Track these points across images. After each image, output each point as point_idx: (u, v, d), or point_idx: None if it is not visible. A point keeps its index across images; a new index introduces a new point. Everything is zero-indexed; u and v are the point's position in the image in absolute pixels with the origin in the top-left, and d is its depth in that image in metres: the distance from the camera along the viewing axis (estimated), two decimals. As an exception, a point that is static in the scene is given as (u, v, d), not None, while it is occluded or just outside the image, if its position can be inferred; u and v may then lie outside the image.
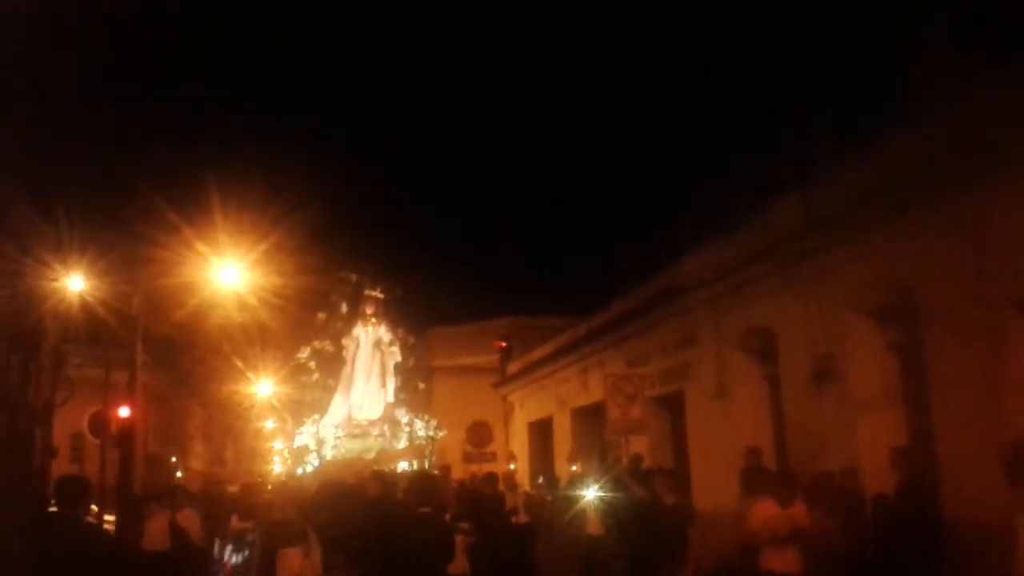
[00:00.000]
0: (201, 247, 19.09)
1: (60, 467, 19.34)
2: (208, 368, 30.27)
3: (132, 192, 20.90)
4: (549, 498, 13.01)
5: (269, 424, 40.90)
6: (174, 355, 27.29)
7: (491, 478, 11.24)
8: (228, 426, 44.10)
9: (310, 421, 23.16)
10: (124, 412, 18.35)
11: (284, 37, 58.03)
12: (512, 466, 21.14)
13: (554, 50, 54.50)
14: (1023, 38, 8.06)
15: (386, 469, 17.47)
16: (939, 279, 8.94)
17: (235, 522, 8.77)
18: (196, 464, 35.46)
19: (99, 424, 20.30)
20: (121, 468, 18.42)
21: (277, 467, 37.42)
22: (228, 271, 19.26)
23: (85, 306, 18.95)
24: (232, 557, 7.93)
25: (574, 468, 18.47)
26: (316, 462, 21.68)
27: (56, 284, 18.23)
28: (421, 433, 21.67)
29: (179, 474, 27.98)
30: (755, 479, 10.84)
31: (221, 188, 20.25)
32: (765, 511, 8.01)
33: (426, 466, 20.27)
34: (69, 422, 21.58)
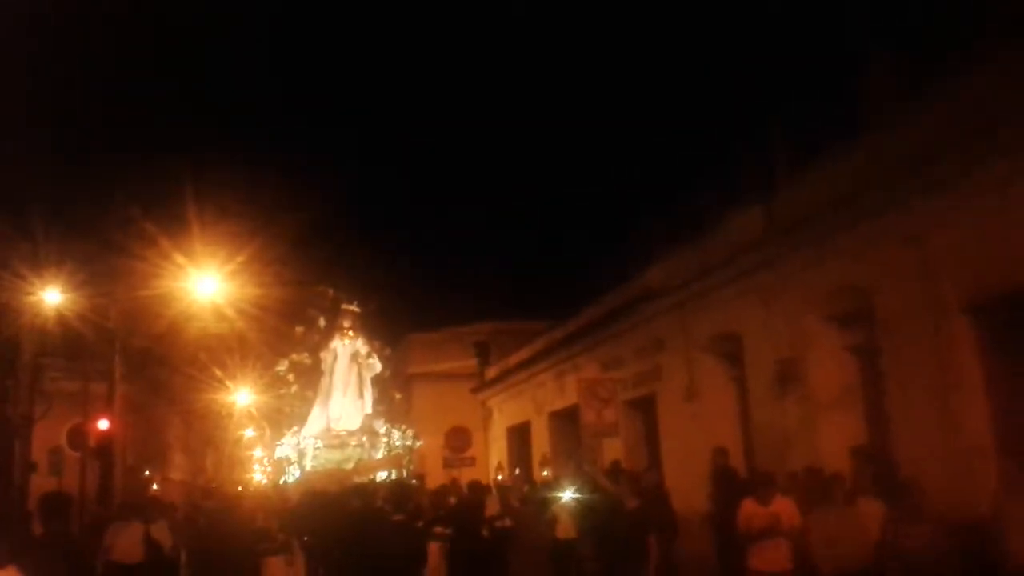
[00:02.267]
0: (178, 258, 19.19)
1: (39, 481, 19.37)
2: (186, 378, 30.25)
3: (108, 204, 20.97)
4: (526, 489, 13.28)
5: (249, 433, 40.88)
6: (151, 366, 27.28)
7: (473, 485, 11.42)
8: (207, 436, 43.97)
9: (290, 432, 23.34)
10: (103, 425, 18.45)
11: (258, 47, 58.03)
12: (499, 476, 21.37)
13: (526, 59, 54.92)
14: (966, 55, 8.47)
15: (365, 479, 17.69)
16: (892, 285, 9.33)
17: None
18: (176, 475, 35.39)
19: (78, 437, 20.34)
20: (101, 480, 18.51)
21: (258, 475, 37.44)
22: (205, 282, 19.34)
23: (61, 319, 19.00)
24: None
25: (545, 473, 18.83)
26: (297, 473, 21.86)
27: (32, 298, 18.26)
28: (398, 443, 21.91)
29: (155, 486, 27.98)
30: (728, 480, 11.25)
31: (198, 199, 20.40)
32: (746, 510, 8.41)
33: (404, 475, 20.50)
34: (48, 436, 21.58)
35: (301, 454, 21.95)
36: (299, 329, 24.29)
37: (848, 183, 9.63)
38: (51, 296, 18.18)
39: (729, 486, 10.86)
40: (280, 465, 23.42)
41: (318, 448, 21.86)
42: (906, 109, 9.06)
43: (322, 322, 23.79)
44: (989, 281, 8.24)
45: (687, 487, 12.68)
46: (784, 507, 8.00)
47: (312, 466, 21.47)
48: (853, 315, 10.22)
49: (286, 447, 22.97)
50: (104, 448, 18.45)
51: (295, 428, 23.32)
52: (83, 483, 18.97)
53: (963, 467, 8.30)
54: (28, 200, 19.42)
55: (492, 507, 11.08)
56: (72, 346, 21.11)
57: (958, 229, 8.42)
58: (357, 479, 17.40)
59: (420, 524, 8.02)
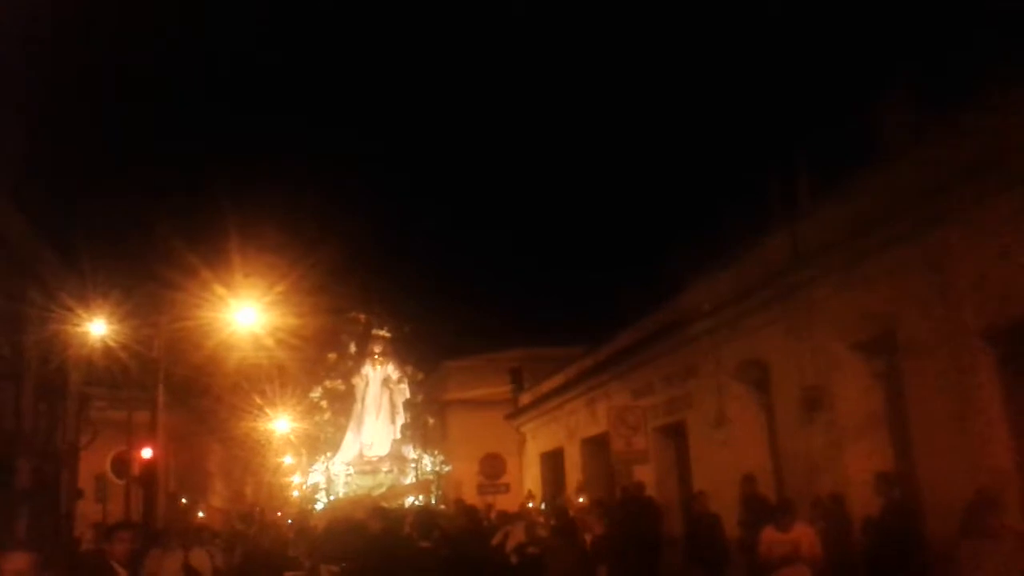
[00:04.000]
0: (219, 289, 19.72)
1: (85, 508, 19.90)
2: (226, 407, 30.84)
3: (152, 236, 21.67)
4: (553, 523, 13.42)
5: (288, 460, 41.38)
6: (192, 394, 27.88)
7: (467, 509, 11.33)
8: (247, 463, 44.58)
9: (322, 459, 23.67)
10: (147, 453, 18.91)
11: (300, 79, 59.29)
12: (530, 504, 21.47)
13: (561, 88, 55.41)
14: (987, 84, 8.61)
15: (394, 504, 17.88)
16: (915, 312, 9.43)
17: None
18: (217, 502, 35.93)
19: (122, 465, 20.84)
20: (145, 507, 18.95)
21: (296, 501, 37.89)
22: (245, 312, 19.84)
23: (107, 349, 19.58)
24: None
25: (581, 500, 18.89)
26: (327, 499, 22.15)
27: (79, 329, 18.85)
28: (428, 469, 22.10)
29: (201, 514, 28.44)
30: (758, 506, 11.38)
31: (240, 231, 21.00)
32: (767, 537, 8.60)
33: (432, 501, 20.65)
34: (93, 463, 22.11)
35: (332, 480, 22.24)
36: (331, 356, 24.67)
37: (870, 211, 9.77)
38: (97, 327, 18.74)
39: (758, 513, 10.96)
40: (312, 491, 23.74)
41: (350, 474, 22.14)
42: (926, 137, 9.20)
43: (353, 348, 24.15)
44: (1009, 307, 8.33)
45: (718, 513, 12.75)
46: (804, 534, 8.12)
47: (344, 492, 21.72)
48: (878, 342, 10.31)
49: (318, 473, 23.29)
50: (148, 476, 18.88)
51: (327, 454, 23.64)
52: (127, 510, 19.44)
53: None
54: (75, 233, 20.15)
55: (519, 535, 11.23)
56: (117, 375, 21.73)
57: (978, 256, 8.53)
58: (385, 505, 17.62)
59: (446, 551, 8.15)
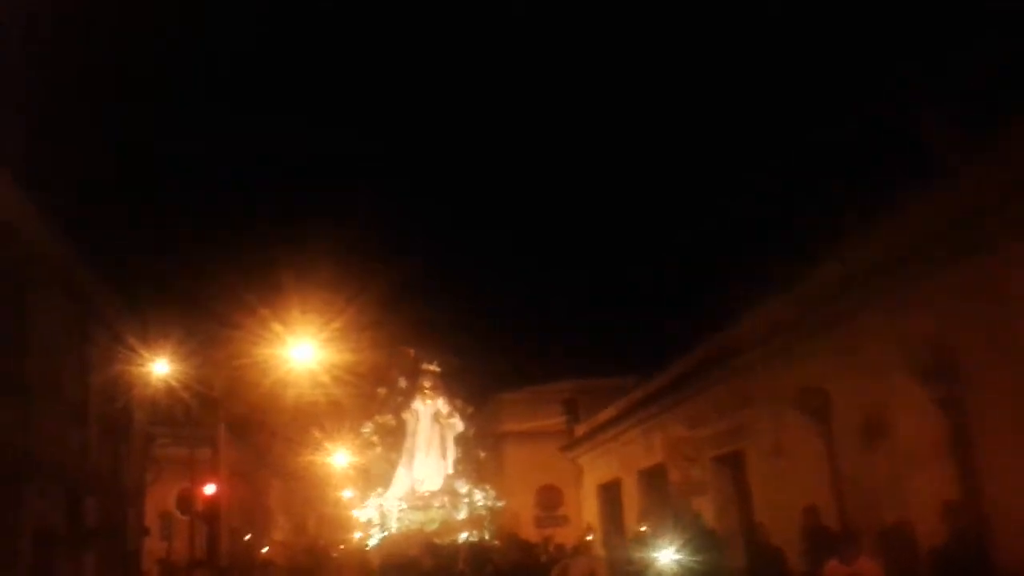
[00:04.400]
0: (276, 327, 20.14)
1: (151, 545, 20.32)
2: (284, 442, 31.30)
3: (210, 277, 22.26)
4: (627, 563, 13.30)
5: (347, 493, 41.75)
6: (252, 431, 28.38)
7: (520, 543, 11.27)
8: (307, 497, 45.05)
9: (374, 494, 23.75)
10: (209, 489, 19.29)
11: (351, 114, 60.45)
12: (589, 537, 21.30)
13: (608, 120, 55.56)
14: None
15: (447, 540, 17.83)
16: (974, 336, 9.21)
17: None
18: (279, 536, 36.36)
19: (186, 502, 21.27)
20: (208, 543, 19.28)
21: (358, 535, 38.11)
22: (302, 349, 20.22)
23: (169, 389, 20.09)
24: None
25: (643, 528, 18.67)
26: (381, 534, 22.19)
27: (142, 369, 19.39)
28: (480, 503, 22.03)
29: (265, 549, 28.74)
30: (818, 539, 11.18)
31: (295, 268, 21.45)
32: (831, 571, 8.50)
33: (485, 536, 20.58)
34: (158, 501, 22.64)
35: (385, 516, 22.29)
36: (382, 390, 24.85)
37: (922, 232, 9.62)
38: (160, 367, 19.28)
39: (821, 545, 10.75)
40: (366, 527, 23.79)
41: (402, 509, 22.17)
42: (973, 158, 9.06)
43: (403, 383, 24.31)
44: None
45: (780, 545, 12.52)
46: (868, 567, 7.96)
47: (396, 527, 21.76)
48: (938, 367, 10.02)
49: (370, 509, 23.35)
50: (211, 512, 19.26)
51: (379, 489, 23.72)
52: (192, 546, 19.81)
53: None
54: (136, 276, 20.80)
55: (584, 567, 11.20)
56: (179, 414, 22.25)
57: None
58: (437, 541, 17.60)
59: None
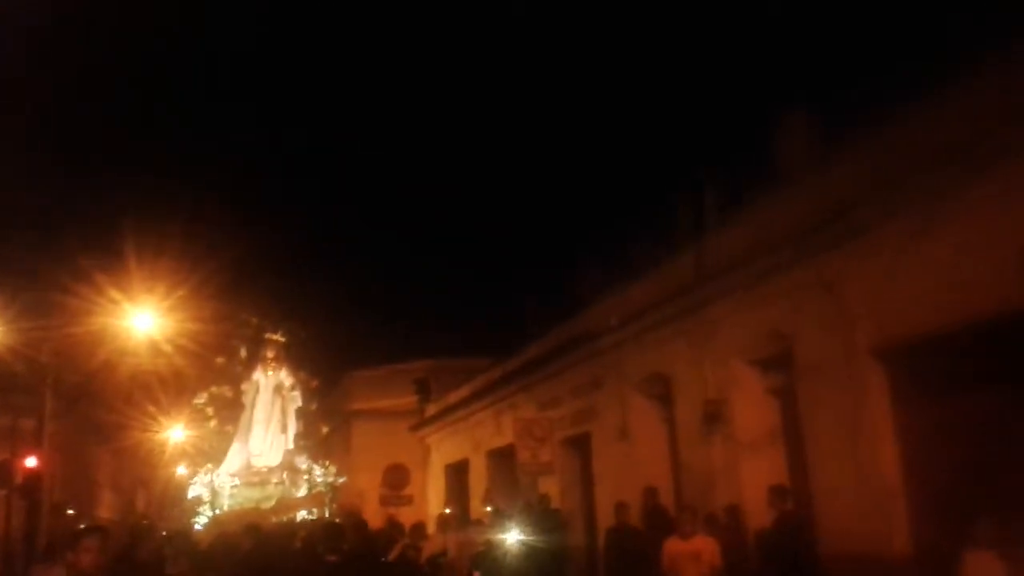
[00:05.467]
0: (114, 294, 19.05)
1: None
2: (118, 415, 29.67)
3: (45, 238, 20.81)
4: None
5: (181, 470, 40.09)
6: (84, 403, 26.75)
7: (356, 523, 11.09)
8: (139, 474, 42.98)
9: (203, 471, 22.71)
10: (31, 462, 18.07)
11: (202, 83, 57.79)
12: (447, 510, 21.30)
13: (472, 97, 55.70)
14: (877, 112, 9.06)
15: (284, 519, 17.34)
16: (811, 331, 9.83)
17: None
18: (105, 513, 34.47)
19: (4, 474, 19.85)
20: (27, 519, 18.08)
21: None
22: (142, 318, 19.21)
23: (-8, 351, 18.67)
24: None
25: (488, 509, 18.89)
26: (210, 513, 21.26)
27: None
28: (320, 480, 21.54)
29: (82, 526, 27.17)
30: (659, 519, 11.66)
31: (136, 235, 20.32)
32: (670, 547, 8.90)
33: (326, 514, 20.16)
34: (-28, 472, 20.96)
35: (216, 493, 21.36)
36: (220, 360, 23.76)
37: (768, 233, 10.15)
38: (-20, 329, 17.89)
39: (660, 525, 11.21)
40: (193, 505, 22.64)
41: (235, 486, 21.31)
42: (821, 162, 9.63)
43: (244, 352, 23.34)
44: (898, 328, 8.76)
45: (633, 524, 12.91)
46: (705, 544, 8.36)
47: (229, 505, 20.87)
48: (775, 359, 10.69)
49: (199, 486, 22.29)
50: (31, 486, 18.05)
51: (209, 465, 22.70)
52: (7, 522, 18.53)
53: (873, 507, 8.74)
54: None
55: (436, 543, 11.25)
56: (2, 380, 20.70)
57: (870, 278, 8.95)
58: (274, 519, 17.08)
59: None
